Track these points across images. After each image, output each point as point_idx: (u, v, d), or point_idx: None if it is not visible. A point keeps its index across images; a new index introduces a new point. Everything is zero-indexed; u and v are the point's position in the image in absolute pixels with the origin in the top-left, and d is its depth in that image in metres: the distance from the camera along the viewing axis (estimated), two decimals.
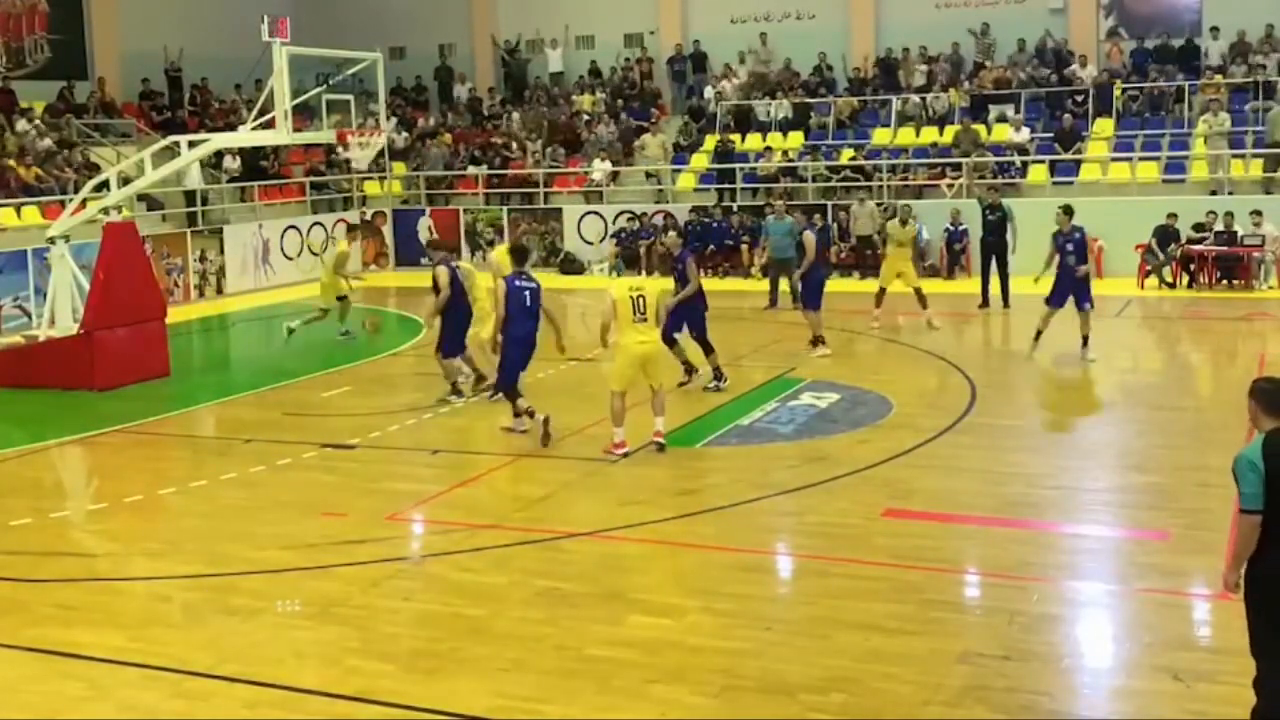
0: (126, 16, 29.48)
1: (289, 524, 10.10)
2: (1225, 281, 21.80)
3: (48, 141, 24.66)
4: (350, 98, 18.76)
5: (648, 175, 28.19)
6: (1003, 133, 26.13)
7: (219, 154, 25.28)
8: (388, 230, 28.81)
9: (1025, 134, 25.94)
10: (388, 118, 26.81)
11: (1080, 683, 7.08)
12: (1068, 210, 16.19)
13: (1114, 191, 24.35)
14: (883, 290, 18.60)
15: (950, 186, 24.99)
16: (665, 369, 12.47)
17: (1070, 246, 15.76)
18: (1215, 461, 9.95)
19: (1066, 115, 25.87)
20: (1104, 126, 26.12)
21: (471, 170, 29.33)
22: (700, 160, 28.14)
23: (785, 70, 30.05)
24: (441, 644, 7.62)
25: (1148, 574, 8.53)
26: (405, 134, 30.65)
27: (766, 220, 21.08)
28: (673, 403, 12.61)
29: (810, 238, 16.91)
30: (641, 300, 11.68)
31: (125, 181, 17.67)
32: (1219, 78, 26.05)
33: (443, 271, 13.96)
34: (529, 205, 28.34)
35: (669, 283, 14.13)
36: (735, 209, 25.88)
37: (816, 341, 16.52)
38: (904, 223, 18.83)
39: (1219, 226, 22.00)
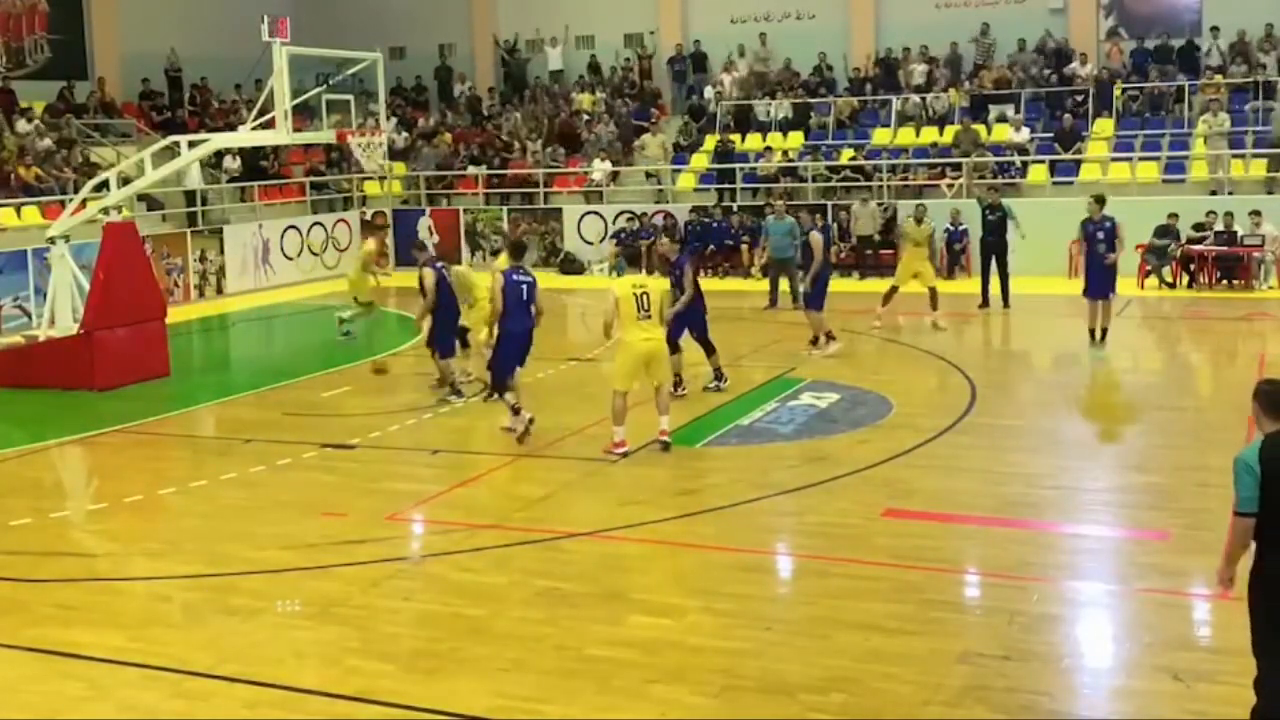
0: (126, 16, 29.48)
1: (289, 524, 10.10)
2: (1225, 281, 21.79)
3: (48, 141, 24.65)
4: (350, 98, 18.79)
5: (648, 175, 28.17)
6: (1003, 133, 26.11)
7: (219, 154, 25.28)
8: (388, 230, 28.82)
9: (1025, 134, 25.92)
10: (388, 118, 26.80)
11: (1080, 683, 7.08)
12: (1100, 199, 16.27)
13: (1114, 191, 24.07)
14: (894, 289, 18.45)
15: (950, 186, 24.97)
16: (668, 367, 12.47)
17: (1100, 235, 15.80)
18: (1215, 461, 9.96)
19: (1066, 115, 25.86)
20: (1104, 126, 26.11)
21: (471, 170, 29.31)
22: (700, 160, 28.12)
23: (785, 70, 30.04)
24: (441, 644, 7.62)
25: (1148, 574, 8.53)
26: (405, 134, 30.65)
27: (766, 220, 21.07)
28: (673, 403, 12.59)
29: (818, 239, 16.81)
30: (645, 298, 11.65)
31: (125, 181, 17.65)
32: (1219, 78, 26.03)
33: (428, 274, 13.94)
34: (529, 205, 28.31)
35: None
36: (735, 209, 25.85)
37: (816, 341, 16.51)
38: (919, 221, 18.82)
39: (1219, 226, 21.99)
